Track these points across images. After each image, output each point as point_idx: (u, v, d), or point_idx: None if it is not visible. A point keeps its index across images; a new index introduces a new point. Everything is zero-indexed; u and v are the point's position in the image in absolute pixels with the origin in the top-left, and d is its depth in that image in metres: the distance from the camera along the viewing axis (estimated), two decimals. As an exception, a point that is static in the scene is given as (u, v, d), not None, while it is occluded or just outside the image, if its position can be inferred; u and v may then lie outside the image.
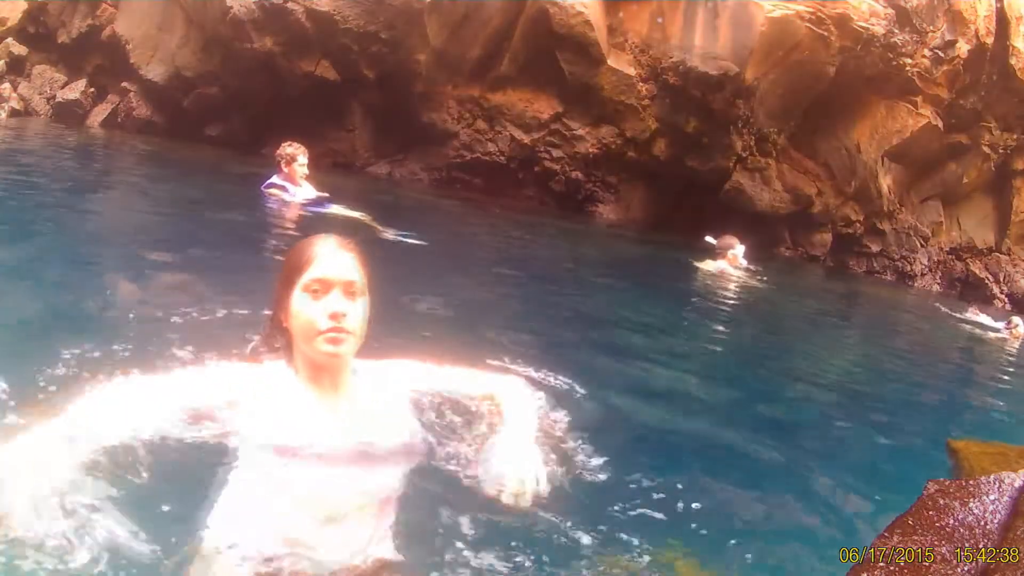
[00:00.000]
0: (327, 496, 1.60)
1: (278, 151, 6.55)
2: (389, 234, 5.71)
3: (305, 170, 6.49)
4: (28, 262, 3.40)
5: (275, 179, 6.43)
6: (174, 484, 1.63)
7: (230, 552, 1.48)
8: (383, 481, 1.70)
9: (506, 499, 1.65)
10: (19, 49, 13.01)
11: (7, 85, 12.66)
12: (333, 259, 1.70)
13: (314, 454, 1.64)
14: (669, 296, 6.46)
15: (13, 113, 12.35)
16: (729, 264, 7.73)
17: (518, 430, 1.84)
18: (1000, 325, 9.07)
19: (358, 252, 1.77)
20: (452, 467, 1.85)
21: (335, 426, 1.70)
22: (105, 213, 5.61)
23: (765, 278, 7.79)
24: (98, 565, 1.36)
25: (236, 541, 1.50)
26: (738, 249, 7.80)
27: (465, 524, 1.73)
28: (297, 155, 6.44)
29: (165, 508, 1.57)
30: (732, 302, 6.65)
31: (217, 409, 1.67)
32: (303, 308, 1.68)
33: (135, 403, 1.63)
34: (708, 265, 7.77)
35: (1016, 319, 8.57)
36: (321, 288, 1.67)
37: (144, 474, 1.58)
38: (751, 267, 7.98)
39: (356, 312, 1.69)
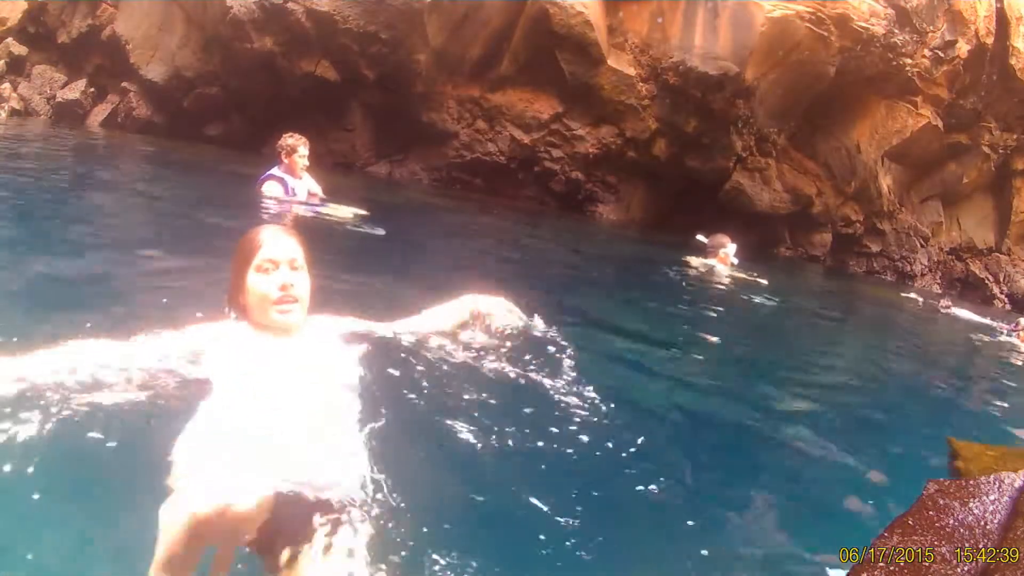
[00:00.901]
0: (282, 420, 1.73)
1: (278, 142, 6.49)
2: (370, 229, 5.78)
3: (305, 161, 6.42)
4: (20, 258, 3.39)
5: (275, 171, 6.36)
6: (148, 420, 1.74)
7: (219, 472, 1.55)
8: (329, 404, 1.88)
9: (500, 319, 2.56)
10: (19, 49, 13.00)
11: (7, 85, 12.66)
12: (278, 241, 2.05)
13: (269, 386, 1.82)
14: (659, 295, 6.42)
15: (13, 113, 12.36)
16: (720, 263, 7.67)
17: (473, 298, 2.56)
18: (996, 324, 9.02)
19: (297, 235, 2.12)
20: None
21: (287, 361, 1.94)
22: (103, 211, 5.60)
23: (757, 276, 7.69)
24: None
25: (218, 462, 1.59)
26: (729, 248, 7.72)
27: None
28: (297, 146, 6.35)
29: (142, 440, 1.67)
30: (723, 301, 6.59)
31: (186, 353, 1.92)
32: (257, 284, 2.00)
33: (108, 353, 1.83)
34: (698, 263, 7.70)
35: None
36: (271, 266, 2.01)
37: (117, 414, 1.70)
38: (743, 267, 7.90)
39: (301, 282, 2.04)
